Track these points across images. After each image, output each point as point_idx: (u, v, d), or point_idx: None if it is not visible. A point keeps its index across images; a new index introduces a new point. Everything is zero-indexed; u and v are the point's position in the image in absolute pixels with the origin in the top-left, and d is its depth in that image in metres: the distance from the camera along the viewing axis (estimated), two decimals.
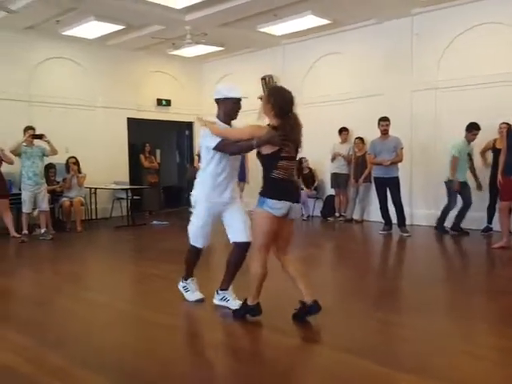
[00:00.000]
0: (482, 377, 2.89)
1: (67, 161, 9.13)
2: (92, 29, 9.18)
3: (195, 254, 4.28)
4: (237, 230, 4.03)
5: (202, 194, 4.04)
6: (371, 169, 8.72)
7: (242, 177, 10.16)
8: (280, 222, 3.62)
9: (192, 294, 4.38)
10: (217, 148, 3.86)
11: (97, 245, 8.18)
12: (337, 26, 9.43)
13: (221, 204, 4.04)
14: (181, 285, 4.47)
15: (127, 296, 4.99)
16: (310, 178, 10.08)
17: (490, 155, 7.77)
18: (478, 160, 7.90)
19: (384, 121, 7.97)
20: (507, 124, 7.23)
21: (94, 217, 9.89)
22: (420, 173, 8.74)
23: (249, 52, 11.26)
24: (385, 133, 7.98)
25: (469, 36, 8.21)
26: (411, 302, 4.49)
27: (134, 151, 11.51)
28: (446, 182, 7.79)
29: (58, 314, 4.23)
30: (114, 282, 5.47)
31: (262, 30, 9.45)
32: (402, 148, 7.94)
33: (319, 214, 10.22)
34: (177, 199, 13.15)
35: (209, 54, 11.35)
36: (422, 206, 8.83)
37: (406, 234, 7.84)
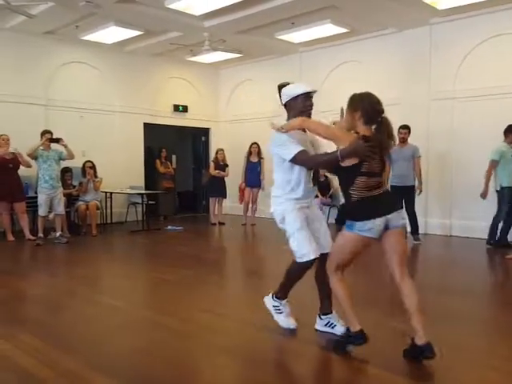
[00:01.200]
0: None
1: (84, 165, 9.20)
2: (111, 34, 9.29)
3: (305, 269, 3.56)
4: (323, 241, 3.67)
5: (287, 205, 3.59)
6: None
7: (258, 183, 10.18)
8: (373, 241, 3.17)
9: (286, 318, 3.74)
10: (294, 160, 3.44)
11: (111, 249, 8.23)
12: (355, 34, 9.42)
13: (305, 207, 3.65)
14: (272, 302, 3.79)
15: (141, 301, 4.98)
16: (325, 186, 10.03)
17: None
18: None
19: (403, 129, 7.87)
20: None
21: (109, 221, 9.95)
22: (435, 182, 8.65)
23: (266, 59, 11.29)
24: (403, 141, 7.90)
25: (487, 46, 8.17)
26: (430, 314, 4.39)
27: (150, 156, 11.58)
28: (497, 191, 7.37)
29: (72, 318, 4.24)
30: (129, 286, 5.47)
31: (279, 37, 9.48)
32: (419, 157, 7.87)
33: (334, 222, 10.17)
34: (192, 205, 13.20)
35: (226, 61, 11.40)
36: (437, 215, 8.75)
37: (417, 242, 7.83)
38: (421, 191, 7.90)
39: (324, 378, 3.02)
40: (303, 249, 3.49)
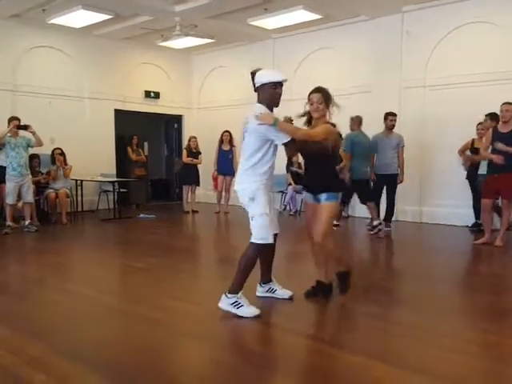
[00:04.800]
0: (461, 370, 2.88)
1: (53, 152, 9.00)
2: (79, 18, 9.04)
3: (261, 252, 3.80)
4: (274, 222, 3.94)
5: (259, 184, 3.73)
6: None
7: (230, 171, 10.13)
8: None
9: (247, 308, 3.71)
10: (288, 143, 3.74)
11: (82, 237, 8.10)
12: (328, 21, 9.39)
13: (269, 192, 3.88)
14: (227, 301, 3.72)
15: (112, 289, 4.90)
16: (298, 174, 10.02)
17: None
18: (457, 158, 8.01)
19: (393, 116, 7.85)
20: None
21: (79, 209, 9.75)
22: (406, 169, 8.64)
23: (239, 45, 11.20)
24: (391, 128, 7.90)
25: (458, 35, 8.27)
26: (395, 297, 4.51)
27: (121, 143, 11.39)
28: None
29: (40, 306, 4.15)
30: (99, 274, 5.38)
31: (252, 23, 9.38)
32: (403, 146, 7.91)
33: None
34: (165, 193, 13.08)
35: (199, 46, 11.26)
36: (408, 202, 8.83)
37: (388, 229, 7.93)
38: (401, 181, 7.97)
39: (293, 363, 3.03)
40: (265, 233, 3.69)
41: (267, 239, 3.71)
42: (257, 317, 3.67)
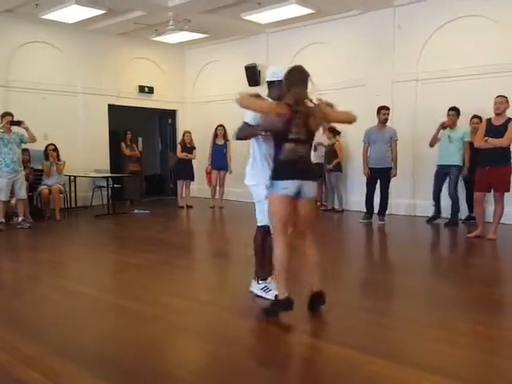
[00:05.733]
0: (453, 362, 2.91)
1: (46, 148, 8.97)
2: (72, 13, 8.98)
3: (264, 233, 3.98)
4: None
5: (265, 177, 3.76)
6: (341, 158, 9.19)
7: (224, 165, 10.14)
8: (292, 202, 3.52)
9: (275, 291, 3.78)
10: (241, 125, 3.77)
11: (76, 233, 8.10)
12: (321, 15, 9.37)
13: None
14: (258, 286, 3.96)
15: (106, 285, 4.92)
16: None
17: None
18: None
19: (386, 109, 7.96)
20: (478, 118, 7.41)
21: (73, 205, 9.72)
22: (399, 163, 8.65)
23: (233, 40, 11.16)
24: (385, 122, 7.99)
25: (449, 29, 8.27)
26: (388, 290, 4.55)
27: (115, 139, 11.35)
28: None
29: (35, 303, 4.16)
30: (94, 271, 5.40)
31: (246, 17, 9.35)
32: (396, 140, 7.99)
33: None
34: (159, 188, 13.06)
35: (192, 41, 11.22)
36: (401, 195, 8.86)
37: (381, 222, 8.02)
38: (395, 175, 8.05)
39: (287, 357, 3.06)
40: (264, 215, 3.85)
41: (265, 221, 3.88)
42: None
